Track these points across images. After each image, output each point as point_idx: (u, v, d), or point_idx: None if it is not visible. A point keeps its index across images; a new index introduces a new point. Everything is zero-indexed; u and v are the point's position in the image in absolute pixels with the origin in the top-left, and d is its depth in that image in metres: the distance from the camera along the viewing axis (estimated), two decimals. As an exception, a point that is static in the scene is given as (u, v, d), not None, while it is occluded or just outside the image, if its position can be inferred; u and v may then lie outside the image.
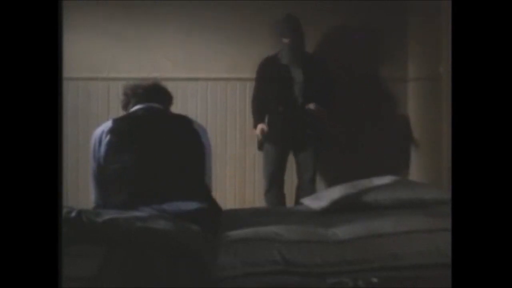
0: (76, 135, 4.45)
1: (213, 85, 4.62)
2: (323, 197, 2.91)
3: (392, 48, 4.65)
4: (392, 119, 4.69)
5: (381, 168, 3.96)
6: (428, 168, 4.39)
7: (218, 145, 4.45)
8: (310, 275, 2.10)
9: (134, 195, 2.41)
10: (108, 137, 2.54)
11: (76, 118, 4.51)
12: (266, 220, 2.55)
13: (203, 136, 2.68)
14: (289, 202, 4.30)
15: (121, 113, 2.83)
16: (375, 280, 2.07)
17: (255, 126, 4.26)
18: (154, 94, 2.75)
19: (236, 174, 4.64)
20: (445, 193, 2.80)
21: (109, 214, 2.14)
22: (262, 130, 4.13)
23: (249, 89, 4.41)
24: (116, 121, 2.63)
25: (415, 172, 4.58)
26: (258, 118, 4.23)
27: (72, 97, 4.50)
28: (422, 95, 4.51)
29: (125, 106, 2.78)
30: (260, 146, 4.27)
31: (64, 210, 2.05)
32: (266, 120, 4.14)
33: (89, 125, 4.19)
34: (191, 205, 2.43)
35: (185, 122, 2.70)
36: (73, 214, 2.08)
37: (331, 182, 4.26)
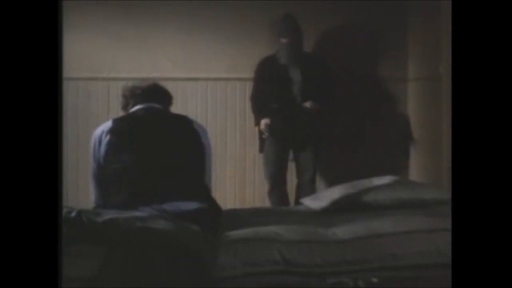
0: (76, 135, 4.45)
1: (213, 85, 4.62)
2: (323, 197, 2.91)
3: (392, 48, 4.64)
4: (392, 119, 4.69)
5: (381, 168, 3.96)
6: (428, 168, 4.39)
7: (218, 145, 4.45)
8: (310, 275, 2.10)
9: (134, 195, 2.41)
10: (108, 137, 2.54)
11: (76, 118, 4.50)
12: (266, 220, 2.55)
13: (203, 136, 2.68)
14: (292, 201, 4.30)
15: (121, 113, 2.83)
16: (375, 280, 2.07)
17: (256, 124, 4.25)
18: (154, 94, 2.75)
19: (236, 174, 4.64)
20: (445, 193, 2.80)
21: (109, 214, 2.14)
22: (267, 125, 4.10)
23: (249, 89, 4.40)
24: (116, 121, 2.63)
25: (415, 172, 4.58)
26: (258, 115, 4.22)
27: (72, 97, 4.50)
28: (422, 95, 4.51)
29: (125, 107, 2.78)
30: (262, 146, 4.25)
31: (64, 210, 2.05)
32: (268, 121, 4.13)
33: (89, 125, 4.19)
34: (191, 205, 2.43)
35: (185, 122, 2.70)
36: (73, 214, 2.08)
37: (331, 182, 4.26)
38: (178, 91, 4.08)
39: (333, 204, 2.75)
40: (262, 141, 4.26)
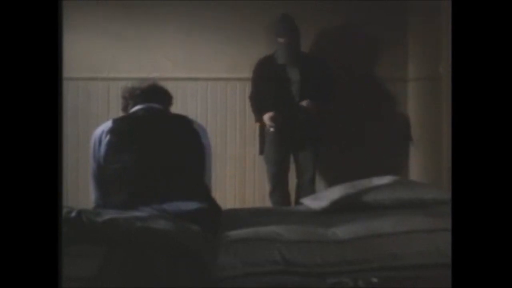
0: (76, 135, 4.45)
1: (213, 85, 4.62)
2: (323, 197, 2.91)
3: (392, 48, 4.64)
4: (392, 119, 4.68)
5: (381, 168, 3.96)
6: (428, 168, 4.39)
7: (218, 145, 4.45)
8: (310, 275, 2.10)
9: (134, 195, 2.41)
10: (108, 137, 2.54)
11: (76, 118, 4.50)
12: (266, 220, 2.55)
13: (203, 136, 2.68)
14: (293, 202, 4.30)
15: (121, 114, 2.83)
16: (375, 280, 2.07)
17: (257, 120, 4.25)
18: (153, 94, 2.75)
19: (236, 174, 4.64)
20: (445, 193, 2.80)
21: (109, 214, 2.14)
22: (272, 117, 4.04)
23: (249, 89, 4.41)
24: (116, 121, 2.63)
25: (415, 172, 4.58)
26: (258, 114, 4.22)
27: (72, 97, 4.50)
28: (422, 95, 4.51)
29: (124, 108, 2.79)
30: (262, 147, 4.24)
31: (64, 210, 2.05)
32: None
33: (89, 125, 4.19)
34: (191, 205, 2.43)
35: (185, 122, 2.70)
36: (73, 214, 2.08)
37: (331, 182, 4.26)
38: (178, 91, 4.08)
39: (333, 204, 2.75)
40: (262, 142, 4.24)
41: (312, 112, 4.07)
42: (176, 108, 2.93)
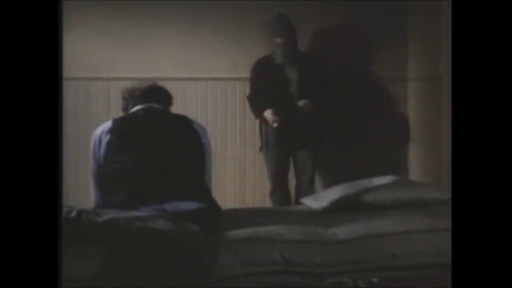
0: (76, 135, 4.45)
1: (213, 85, 4.62)
2: (323, 197, 2.91)
3: (392, 48, 4.64)
4: (392, 119, 4.68)
5: (381, 168, 3.96)
6: (428, 168, 4.39)
7: (218, 145, 4.45)
8: (310, 275, 2.10)
9: (134, 195, 2.41)
10: (108, 137, 2.55)
11: (76, 118, 4.50)
12: (266, 220, 2.55)
13: (203, 136, 2.68)
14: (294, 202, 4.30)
15: (121, 114, 2.83)
16: (375, 280, 2.07)
17: (258, 117, 4.25)
18: (153, 94, 2.75)
19: (236, 174, 4.64)
20: (445, 193, 2.80)
21: (109, 214, 2.14)
22: (273, 113, 4.03)
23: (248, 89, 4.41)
24: (116, 121, 2.63)
25: (415, 172, 4.58)
26: (258, 113, 4.22)
27: (72, 97, 4.50)
28: (422, 95, 4.51)
29: (125, 109, 2.79)
30: (264, 143, 4.23)
31: (64, 210, 2.05)
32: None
33: (89, 125, 4.19)
34: (191, 205, 2.43)
35: (185, 122, 2.70)
36: (73, 214, 2.08)
37: (331, 182, 4.25)
38: (178, 91, 4.08)
39: (333, 204, 2.75)
40: (266, 138, 4.22)
41: (309, 111, 4.06)
42: (176, 108, 2.93)
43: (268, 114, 4.06)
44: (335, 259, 2.14)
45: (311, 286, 2.08)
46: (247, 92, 4.36)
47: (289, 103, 4.08)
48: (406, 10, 4.64)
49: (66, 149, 4.21)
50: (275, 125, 4.04)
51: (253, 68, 4.27)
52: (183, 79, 4.55)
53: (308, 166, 4.23)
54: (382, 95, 4.68)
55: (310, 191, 4.08)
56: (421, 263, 2.16)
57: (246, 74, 4.36)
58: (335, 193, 2.86)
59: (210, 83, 4.62)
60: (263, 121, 4.18)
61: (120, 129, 2.57)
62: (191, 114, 3.03)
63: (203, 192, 2.57)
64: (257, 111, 4.23)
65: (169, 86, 2.89)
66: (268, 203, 4.32)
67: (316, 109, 4.10)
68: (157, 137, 2.57)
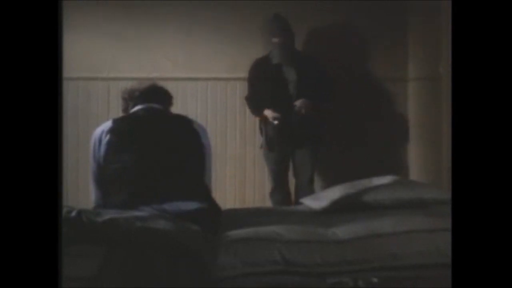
0: (76, 135, 4.45)
1: (213, 85, 4.62)
2: (323, 197, 2.91)
3: (392, 48, 4.64)
4: (392, 119, 4.68)
5: (381, 168, 3.96)
6: (428, 168, 4.39)
7: (218, 145, 4.45)
8: (310, 275, 2.10)
9: (134, 195, 2.41)
10: (108, 137, 2.54)
11: (76, 118, 4.50)
12: (266, 220, 2.55)
13: (203, 136, 2.68)
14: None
15: (121, 113, 2.83)
16: (375, 280, 2.08)
17: (258, 116, 4.25)
18: (153, 94, 2.75)
19: (236, 174, 4.64)
20: (445, 193, 2.80)
21: (109, 214, 2.14)
22: (273, 111, 4.05)
23: (248, 89, 4.41)
24: (116, 121, 2.63)
25: (415, 172, 4.58)
26: (257, 112, 4.23)
27: (72, 97, 4.50)
28: (422, 95, 4.51)
29: (125, 110, 2.79)
30: (266, 141, 4.22)
31: (64, 210, 2.05)
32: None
33: (89, 125, 4.18)
34: (191, 205, 2.43)
35: (185, 122, 2.70)
36: (73, 214, 2.08)
37: (330, 182, 4.26)
38: (178, 91, 4.08)
39: (333, 204, 2.75)
40: (266, 136, 4.22)
41: (306, 111, 4.06)
42: (176, 108, 2.93)
43: (268, 112, 4.07)
44: (335, 259, 2.14)
45: (311, 286, 2.08)
46: (246, 93, 4.36)
47: (287, 103, 4.08)
48: (406, 10, 4.64)
49: (66, 149, 4.21)
50: (275, 122, 4.04)
51: (251, 68, 4.28)
52: (183, 79, 4.55)
53: (308, 166, 4.23)
54: (382, 95, 4.68)
55: (310, 191, 4.08)
56: (421, 263, 2.16)
57: (246, 74, 4.36)
58: (335, 193, 2.86)
59: (210, 83, 4.62)
60: (263, 120, 4.19)
61: (120, 129, 2.57)
62: (191, 114, 3.02)
63: (203, 192, 2.57)
64: (256, 110, 4.24)
65: (169, 86, 2.88)
66: (268, 203, 4.32)
67: (313, 109, 4.09)
68: (157, 137, 2.57)
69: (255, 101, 4.23)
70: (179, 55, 4.60)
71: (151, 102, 2.71)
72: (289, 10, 4.32)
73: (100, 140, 2.57)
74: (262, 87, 4.17)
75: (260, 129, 4.28)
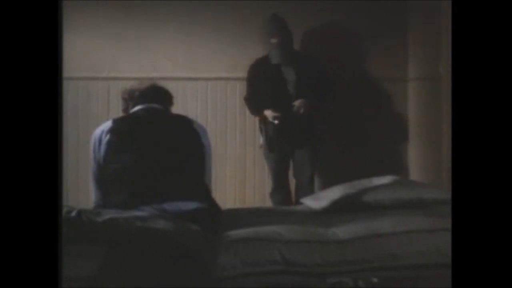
0: (76, 135, 4.45)
1: (213, 85, 4.62)
2: (323, 197, 2.91)
3: (392, 48, 4.64)
4: (392, 119, 4.68)
5: (381, 168, 3.96)
6: (428, 168, 4.39)
7: (218, 145, 4.45)
8: (310, 275, 2.10)
9: (134, 195, 2.41)
10: (108, 137, 2.54)
11: (76, 118, 4.50)
12: (266, 220, 2.55)
13: (203, 136, 2.68)
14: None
15: (121, 113, 2.83)
16: (375, 280, 2.08)
17: (257, 115, 4.25)
18: (153, 94, 2.75)
19: (236, 174, 4.64)
20: (445, 193, 2.80)
21: (109, 214, 2.14)
22: (273, 110, 4.06)
23: (248, 89, 4.41)
24: (116, 121, 2.63)
25: (415, 172, 4.58)
26: (257, 112, 4.23)
27: (72, 97, 4.50)
28: (422, 95, 4.51)
29: (125, 110, 2.79)
30: (266, 140, 4.22)
31: (64, 210, 2.05)
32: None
33: (89, 125, 4.19)
34: (191, 205, 2.43)
35: (185, 122, 2.70)
36: (73, 214, 2.08)
37: (331, 182, 4.25)
38: (178, 91, 4.08)
39: (333, 204, 2.75)
40: (266, 136, 4.21)
41: (305, 111, 4.06)
42: (176, 108, 2.93)
43: (268, 112, 4.07)
44: (335, 259, 2.14)
45: (311, 286, 2.08)
46: (245, 93, 4.36)
47: (287, 103, 4.08)
48: (406, 10, 4.64)
49: (66, 149, 4.21)
50: (276, 122, 4.04)
51: (250, 69, 4.28)
52: (183, 79, 4.55)
53: (308, 166, 4.23)
54: (382, 95, 4.68)
55: (310, 191, 4.08)
56: (421, 263, 2.16)
57: (246, 74, 4.36)
58: (335, 193, 2.86)
59: (210, 83, 4.62)
60: (263, 119, 4.19)
61: (120, 129, 2.57)
62: (191, 114, 3.02)
63: (203, 192, 2.57)
64: (256, 110, 4.25)
65: (169, 86, 2.88)
66: (268, 203, 4.32)
67: (312, 109, 4.09)
68: (157, 137, 2.57)
69: (255, 101, 4.24)
70: (179, 55, 4.60)
71: (151, 102, 2.71)
72: (289, 10, 4.32)
73: (100, 140, 2.57)
74: (262, 87, 4.17)
75: (260, 129, 4.28)
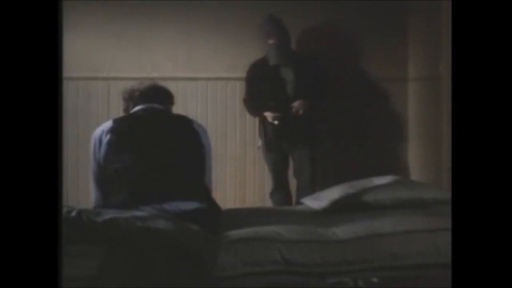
0: (76, 135, 4.45)
1: (213, 85, 4.62)
2: (323, 197, 2.91)
3: (392, 48, 4.64)
4: (392, 119, 4.68)
5: (381, 168, 3.96)
6: (428, 168, 4.39)
7: (218, 145, 4.45)
8: (310, 275, 2.10)
9: (134, 194, 2.41)
10: (108, 137, 2.54)
11: (76, 118, 4.50)
12: (266, 220, 2.55)
13: (203, 136, 2.68)
14: (294, 202, 4.30)
15: (121, 113, 2.83)
16: (375, 280, 2.08)
17: (257, 116, 4.25)
18: (154, 94, 2.75)
19: (236, 174, 4.64)
20: (445, 193, 2.80)
21: (109, 214, 2.14)
22: (272, 113, 4.06)
23: (248, 89, 4.41)
24: (117, 121, 2.63)
25: (415, 172, 4.58)
26: (257, 113, 4.23)
27: (72, 97, 4.50)
28: (422, 95, 4.51)
29: (126, 110, 2.79)
30: (265, 142, 4.22)
31: (64, 210, 2.06)
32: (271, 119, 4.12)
33: (89, 125, 4.19)
34: (191, 205, 2.43)
35: (185, 122, 2.70)
36: (73, 214, 2.08)
37: (331, 182, 4.25)
38: (178, 91, 4.07)
39: (333, 204, 2.75)
40: (265, 137, 4.21)
41: (303, 112, 4.06)
42: (176, 108, 2.93)
43: (267, 113, 4.07)
44: (335, 259, 2.14)
45: (311, 286, 2.08)
46: (243, 94, 4.36)
47: (286, 103, 4.08)
48: (406, 10, 4.64)
49: (66, 149, 4.21)
50: (276, 122, 4.04)
51: (249, 70, 4.29)
52: (183, 79, 4.55)
53: (307, 166, 4.23)
54: (382, 95, 4.68)
55: (311, 191, 4.07)
56: (421, 263, 2.16)
57: (245, 75, 4.36)
58: (335, 193, 2.86)
59: (210, 83, 4.62)
60: (262, 120, 4.19)
61: (120, 129, 2.57)
62: (191, 114, 3.02)
63: (203, 192, 2.57)
64: (256, 111, 4.24)
65: (169, 86, 2.88)
66: (268, 203, 4.32)
67: (311, 109, 4.09)
68: (157, 137, 2.57)
69: (254, 102, 4.24)
70: (179, 55, 4.60)
71: (151, 102, 2.71)
72: (289, 10, 4.32)
73: (100, 140, 2.57)
74: (260, 88, 4.17)
75: (259, 129, 4.28)
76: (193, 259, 2.05)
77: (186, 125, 2.68)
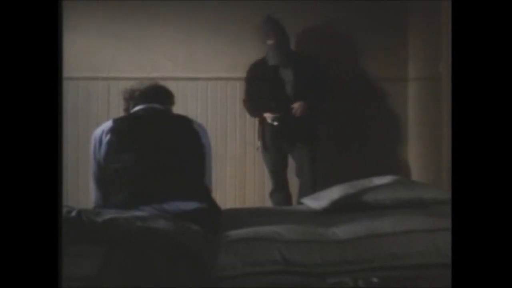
0: (76, 135, 4.45)
1: (213, 85, 4.62)
2: (323, 197, 2.91)
3: (392, 48, 4.64)
4: (392, 119, 4.69)
5: (381, 168, 3.96)
6: (428, 168, 4.39)
7: (218, 145, 4.45)
8: (310, 275, 2.10)
9: (134, 195, 2.41)
10: (108, 137, 2.54)
11: (76, 118, 4.50)
12: (266, 220, 2.55)
13: (203, 136, 2.68)
14: (294, 202, 4.30)
15: (121, 113, 2.83)
16: (375, 280, 2.08)
17: (256, 116, 4.25)
18: (154, 94, 2.75)
19: (236, 174, 4.64)
20: (445, 193, 2.80)
21: (109, 214, 2.14)
22: (272, 114, 4.07)
23: (248, 89, 4.41)
24: (117, 121, 2.63)
25: (415, 172, 4.58)
26: (257, 113, 4.23)
27: (72, 97, 4.50)
28: (422, 95, 4.51)
29: (126, 110, 2.79)
30: (264, 142, 4.22)
31: (64, 210, 2.06)
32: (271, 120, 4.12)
33: (89, 125, 4.19)
34: (191, 205, 2.43)
35: (185, 122, 2.70)
36: (73, 214, 2.08)
37: (331, 182, 4.25)
38: (178, 91, 4.07)
39: (333, 204, 2.75)
40: (264, 138, 4.22)
41: (303, 112, 4.06)
42: (176, 108, 2.93)
43: (267, 113, 4.07)
44: (335, 259, 2.14)
45: (311, 286, 2.08)
46: (243, 95, 4.36)
47: (285, 103, 4.08)
48: (406, 10, 4.64)
49: (66, 149, 4.21)
50: (275, 123, 4.04)
51: (248, 71, 4.29)
52: (183, 79, 4.55)
53: (306, 166, 4.23)
54: (382, 95, 4.68)
55: (311, 190, 4.07)
56: (421, 263, 2.16)
57: (245, 76, 4.36)
58: (335, 193, 2.86)
59: (210, 83, 4.62)
60: (262, 121, 4.19)
61: (120, 129, 2.57)
62: (191, 114, 3.02)
63: (203, 192, 2.57)
64: (255, 112, 4.24)
65: (169, 86, 2.88)
66: (268, 203, 4.32)
67: (310, 110, 4.09)
68: (157, 137, 2.57)
69: (253, 103, 4.24)
70: (179, 55, 4.60)
71: (151, 102, 2.71)
72: (289, 10, 4.32)
73: (100, 140, 2.57)
74: (260, 89, 4.17)
75: (258, 130, 4.27)
76: (193, 259, 2.05)
77: (186, 125, 2.68)
